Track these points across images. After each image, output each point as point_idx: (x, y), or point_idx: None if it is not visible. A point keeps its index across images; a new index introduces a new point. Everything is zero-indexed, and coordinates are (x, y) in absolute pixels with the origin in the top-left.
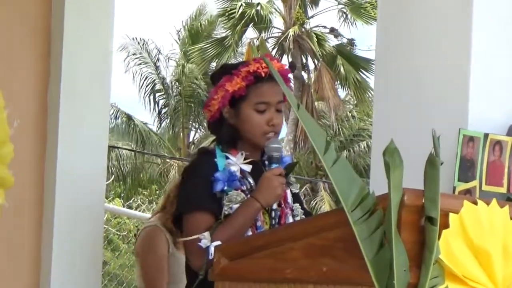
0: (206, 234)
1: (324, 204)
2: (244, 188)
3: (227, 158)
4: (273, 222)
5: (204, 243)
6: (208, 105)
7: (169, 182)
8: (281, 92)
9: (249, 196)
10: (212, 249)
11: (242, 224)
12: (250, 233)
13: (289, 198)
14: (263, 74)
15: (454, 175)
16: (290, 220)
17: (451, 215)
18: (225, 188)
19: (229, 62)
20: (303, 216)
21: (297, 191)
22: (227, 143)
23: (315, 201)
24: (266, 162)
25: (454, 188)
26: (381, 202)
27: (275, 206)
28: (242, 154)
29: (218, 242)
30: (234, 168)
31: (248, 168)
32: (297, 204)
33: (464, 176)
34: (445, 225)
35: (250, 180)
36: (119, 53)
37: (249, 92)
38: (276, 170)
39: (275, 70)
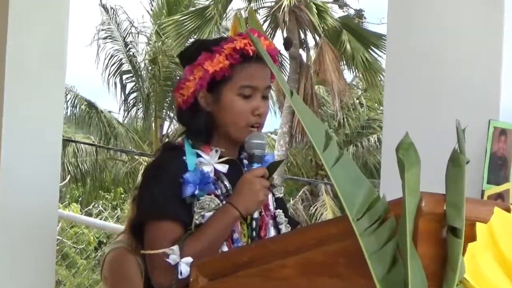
0: (175, 248)
1: (326, 211)
2: (218, 192)
3: (198, 155)
4: (254, 234)
5: (172, 259)
6: (180, 87)
7: (135, 187)
8: (269, 75)
9: (225, 202)
10: (182, 267)
11: (217, 236)
12: (225, 247)
13: (271, 204)
14: (251, 53)
15: (482, 176)
16: (272, 231)
17: (478, 224)
18: (196, 192)
19: (202, 38)
20: (288, 226)
21: (280, 195)
22: (200, 136)
23: (315, 207)
24: (246, 161)
25: (483, 192)
26: (394, 209)
27: (256, 214)
28: (216, 151)
29: (189, 258)
30: (207, 168)
31: (224, 168)
32: (280, 211)
33: (494, 177)
34: (472, 237)
35: (226, 183)
36: (84, 22)
37: (233, 73)
38: (258, 170)
39: (262, 48)
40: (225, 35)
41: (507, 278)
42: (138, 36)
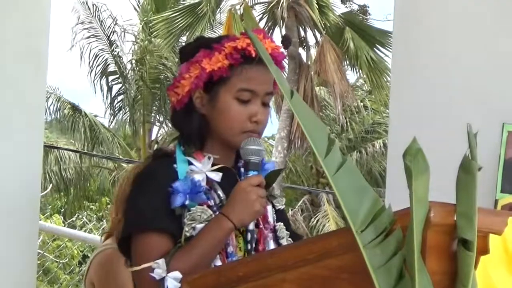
0: (161, 261)
1: (328, 222)
2: (211, 203)
3: (190, 163)
4: (249, 247)
5: (157, 273)
6: (175, 85)
7: (117, 191)
8: (271, 81)
9: (218, 213)
10: (168, 282)
11: (209, 250)
12: (218, 262)
13: (270, 217)
14: (253, 54)
15: (496, 184)
16: (272, 245)
17: (491, 236)
18: (187, 202)
19: (206, 35)
20: (290, 240)
21: (281, 207)
22: (193, 141)
23: (317, 218)
24: (242, 170)
25: (496, 201)
26: (400, 220)
27: (251, 226)
28: (209, 158)
29: (177, 273)
30: (198, 177)
31: (217, 176)
32: (281, 224)
33: (509, 185)
34: (484, 250)
35: (220, 192)
36: (66, 21)
37: (232, 75)
38: (253, 179)
39: (261, 46)
40: (218, 33)
41: None
42: (124, 35)
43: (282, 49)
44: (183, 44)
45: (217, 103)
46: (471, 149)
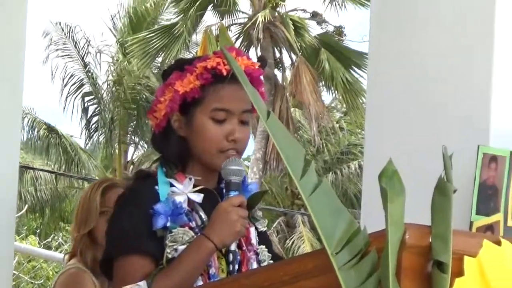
0: (142, 284)
1: (304, 244)
2: (193, 224)
3: (171, 185)
4: (231, 268)
5: None
6: (153, 109)
7: (76, 210)
8: (248, 99)
9: (199, 234)
10: None
11: (190, 271)
12: (200, 283)
13: (253, 238)
14: (224, 72)
15: (471, 206)
16: (255, 267)
17: (466, 258)
18: (168, 224)
19: (185, 57)
20: (271, 262)
21: (264, 229)
22: (174, 163)
23: (292, 240)
24: (225, 190)
25: (471, 223)
26: (376, 242)
27: (233, 247)
28: (190, 179)
29: None
30: (179, 198)
31: (198, 198)
32: (263, 246)
33: (484, 207)
34: (459, 272)
35: (202, 214)
36: (39, 41)
37: (205, 95)
38: (234, 199)
39: (235, 64)
40: (194, 54)
41: None
42: (100, 56)
43: (258, 66)
44: (159, 64)
45: (193, 124)
46: (446, 171)
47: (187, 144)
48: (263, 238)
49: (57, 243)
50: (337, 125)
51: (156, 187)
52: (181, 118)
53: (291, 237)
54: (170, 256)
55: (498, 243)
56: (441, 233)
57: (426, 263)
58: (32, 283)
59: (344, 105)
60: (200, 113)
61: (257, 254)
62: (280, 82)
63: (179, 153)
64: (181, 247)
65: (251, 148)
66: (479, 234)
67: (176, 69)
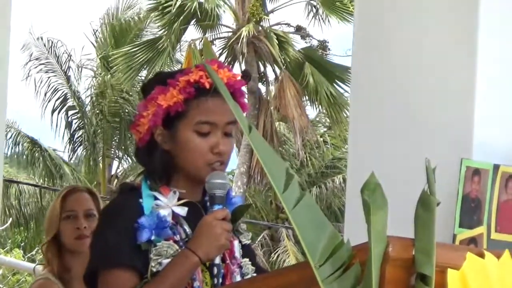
0: None
1: (289, 257)
2: (177, 238)
3: (155, 198)
4: (215, 282)
5: None
6: (136, 124)
7: (45, 221)
8: (231, 111)
9: (183, 247)
10: None
11: (174, 285)
12: None
13: (237, 252)
14: (207, 86)
15: (454, 219)
16: (238, 280)
17: (449, 271)
18: (153, 237)
19: (165, 70)
20: (255, 275)
21: (248, 242)
22: (159, 176)
23: (276, 253)
24: (209, 204)
25: (455, 236)
26: (359, 254)
27: (217, 260)
28: (174, 192)
29: None
30: (164, 212)
31: (183, 211)
32: (247, 260)
33: (467, 220)
34: (442, 285)
35: (186, 227)
36: (20, 55)
37: (189, 109)
38: (218, 212)
39: (217, 78)
40: (179, 67)
41: None
42: (81, 70)
43: (239, 77)
44: (143, 78)
45: (177, 138)
46: (429, 184)
47: (171, 158)
48: (247, 251)
49: (41, 256)
50: (321, 139)
51: (141, 200)
52: (165, 132)
53: (275, 251)
54: (154, 269)
55: (482, 255)
56: (424, 246)
57: (409, 276)
58: None
59: (328, 119)
60: (184, 126)
61: (240, 267)
62: (265, 96)
63: (163, 167)
64: (165, 261)
65: (235, 162)
66: (463, 247)
67: (157, 83)
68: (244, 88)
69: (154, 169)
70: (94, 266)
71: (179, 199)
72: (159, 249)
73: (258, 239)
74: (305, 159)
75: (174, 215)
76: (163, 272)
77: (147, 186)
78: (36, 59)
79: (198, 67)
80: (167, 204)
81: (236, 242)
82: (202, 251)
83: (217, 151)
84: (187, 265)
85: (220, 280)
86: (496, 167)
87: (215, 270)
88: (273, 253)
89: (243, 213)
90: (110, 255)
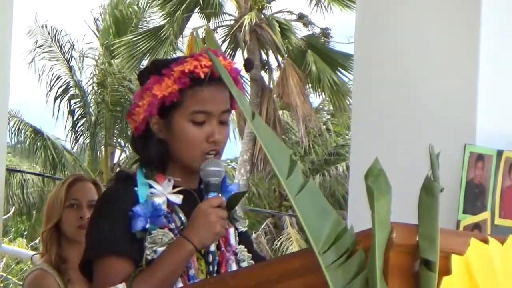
0: (121, 286)
1: (292, 244)
2: (172, 226)
3: (151, 186)
4: (211, 269)
5: None
6: (132, 113)
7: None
8: (226, 99)
9: (178, 235)
10: None
11: (169, 273)
12: (180, 284)
13: (232, 239)
14: (202, 75)
15: (458, 205)
16: (234, 267)
17: (453, 257)
18: (147, 226)
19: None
20: (251, 262)
21: (244, 229)
22: (154, 165)
23: (280, 241)
24: (204, 192)
25: (458, 222)
26: (363, 241)
27: (212, 247)
28: (169, 180)
29: None
30: (159, 200)
31: (178, 199)
32: (242, 246)
33: (471, 206)
34: (446, 271)
35: (181, 215)
36: (23, 42)
37: (184, 98)
38: (213, 200)
39: (221, 66)
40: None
41: None
42: (83, 59)
43: (234, 65)
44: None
45: (173, 127)
46: (433, 171)
47: (166, 147)
48: (244, 238)
49: None
50: (324, 126)
51: (136, 188)
52: (160, 121)
53: (279, 238)
54: (149, 257)
55: (485, 241)
56: (428, 232)
57: (413, 262)
58: (20, 285)
59: (331, 107)
60: (179, 116)
61: (236, 254)
62: (267, 84)
63: (159, 156)
64: (160, 249)
65: (238, 149)
66: (466, 233)
67: (152, 72)
68: (245, 76)
69: (150, 158)
70: (90, 255)
71: (174, 187)
72: (154, 237)
73: (262, 227)
74: (308, 147)
75: (169, 203)
76: (158, 260)
77: (142, 174)
78: (39, 46)
79: (193, 57)
80: (162, 192)
81: (231, 230)
82: (197, 239)
83: (212, 139)
84: (182, 253)
85: (216, 268)
86: (499, 153)
87: (210, 257)
88: (276, 241)
89: (238, 200)
90: (105, 244)
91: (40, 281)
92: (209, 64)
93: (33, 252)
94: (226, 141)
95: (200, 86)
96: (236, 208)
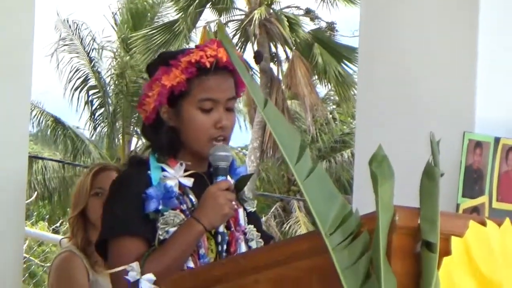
0: (135, 265)
1: (300, 227)
2: (183, 207)
3: (163, 170)
4: (220, 249)
5: (131, 276)
6: (142, 103)
7: (74, 193)
8: (231, 87)
9: (189, 217)
10: (142, 284)
11: (180, 252)
12: (191, 263)
13: (241, 219)
14: (208, 65)
15: (457, 189)
16: (243, 246)
17: (453, 239)
18: (160, 207)
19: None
20: (260, 241)
21: (253, 209)
22: (165, 151)
23: (288, 224)
24: (213, 175)
25: (458, 205)
26: (367, 223)
27: (221, 228)
28: (181, 164)
29: (150, 275)
30: (171, 183)
31: (189, 182)
32: (251, 226)
33: (470, 190)
34: (446, 252)
35: (192, 197)
36: (44, 38)
37: (191, 87)
38: (222, 183)
39: (234, 54)
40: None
41: None
42: (102, 51)
43: (240, 55)
44: None
45: (182, 115)
46: (433, 156)
47: (177, 134)
48: (252, 218)
49: (65, 228)
50: (331, 115)
51: (149, 172)
52: (170, 110)
53: (287, 222)
54: (162, 237)
55: (483, 223)
56: (429, 215)
57: (415, 244)
58: (42, 266)
59: (337, 97)
60: (187, 104)
61: (245, 234)
62: (276, 75)
63: (170, 142)
64: (172, 229)
65: (249, 137)
66: (465, 216)
67: (160, 64)
68: (255, 67)
69: (161, 144)
70: (105, 235)
71: (185, 171)
72: (166, 218)
73: (271, 211)
74: (315, 135)
75: (181, 185)
76: (170, 240)
77: (154, 158)
78: (61, 39)
79: (198, 48)
80: (174, 175)
81: (240, 210)
82: (207, 220)
83: (220, 125)
84: (192, 233)
85: (225, 247)
86: (497, 140)
87: (220, 237)
88: (285, 224)
89: (245, 183)
90: (120, 224)
91: (69, 262)
92: (214, 54)
93: (54, 235)
94: (233, 126)
95: (206, 75)
96: (245, 189)
